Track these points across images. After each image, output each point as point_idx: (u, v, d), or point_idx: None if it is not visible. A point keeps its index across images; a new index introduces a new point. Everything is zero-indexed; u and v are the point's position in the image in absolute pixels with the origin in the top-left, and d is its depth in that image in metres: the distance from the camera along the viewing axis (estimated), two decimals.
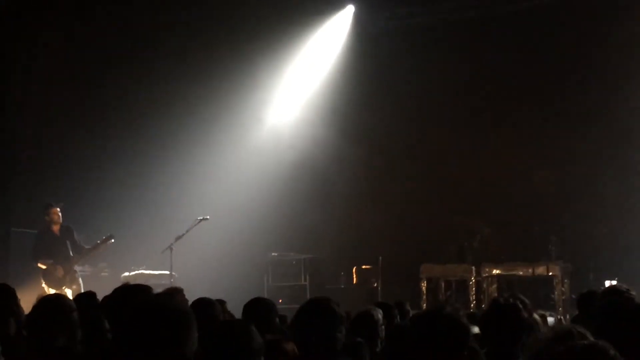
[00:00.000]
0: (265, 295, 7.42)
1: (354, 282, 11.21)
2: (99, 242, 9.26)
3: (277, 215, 11.24)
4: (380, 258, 10.70)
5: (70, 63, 11.08)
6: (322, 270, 11.44)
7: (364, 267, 11.17)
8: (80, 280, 9.20)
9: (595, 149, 10.36)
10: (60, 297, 4.17)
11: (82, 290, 8.19)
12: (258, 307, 4.42)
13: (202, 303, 4.43)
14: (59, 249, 9.23)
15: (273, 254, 11.21)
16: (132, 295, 3.65)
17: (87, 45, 11.21)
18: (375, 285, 10.80)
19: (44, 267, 9.13)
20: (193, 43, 11.05)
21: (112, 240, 9.35)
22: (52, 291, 8.46)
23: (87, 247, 9.34)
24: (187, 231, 9.34)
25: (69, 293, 8.40)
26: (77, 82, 11.16)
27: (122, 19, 10.60)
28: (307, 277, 11.04)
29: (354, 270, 11.22)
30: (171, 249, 9.28)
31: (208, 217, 9.59)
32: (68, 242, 9.25)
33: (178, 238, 9.28)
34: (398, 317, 5.42)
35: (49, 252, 9.19)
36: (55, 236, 9.30)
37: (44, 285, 9.00)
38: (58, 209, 9.35)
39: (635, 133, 10.10)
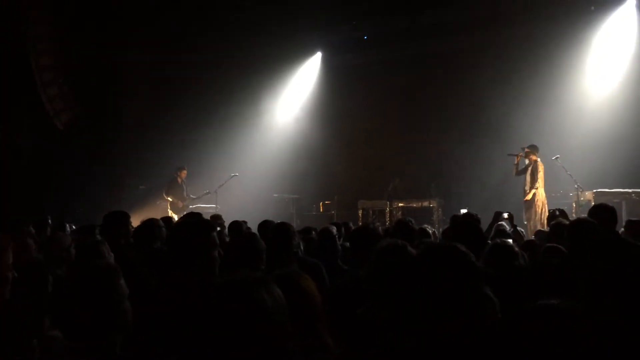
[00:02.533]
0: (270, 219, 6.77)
1: (320, 211, 13.29)
2: (202, 194, 11.73)
3: (278, 172, 13.35)
4: (336, 197, 12.99)
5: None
6: (302, 204, 13.66)
7: (326, 202, 13.28)
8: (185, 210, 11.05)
9: (460, 136, 12.65)
10: (154, 220, 4.70)
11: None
12: (265, 225, 5.20)
13: (235, 223, 5.66)
14: (180, 192, 11.63)
15: (275, 194, 13.34)
16: (189, 216, 4.14)
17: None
18: (333, 212, 12.70)
19: (170, 200, 11.53)
20: (235, 78, 13.95)
21: (210, 194, 11.72)
22: (173, 215, 10.65)
23: (192, 196, 11.80)
24: (225, 182, 11.83)
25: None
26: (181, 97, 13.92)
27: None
28: (294, 208, 13.28)
29: (320, 204, 13.42)
30: (216, 192, 11.80)
31: (237, 174, 12.03)
32: (185, 190, 11.71)
33: (220, 186, 11.82)
34: (344, 231, 6.22)
35: (175, 193, 11.59)
36: (179, 185, 11.68)
37: (169, 210, 11.31)
38: (185, 171, 11.76)
39: (481, 131, 12.24)
